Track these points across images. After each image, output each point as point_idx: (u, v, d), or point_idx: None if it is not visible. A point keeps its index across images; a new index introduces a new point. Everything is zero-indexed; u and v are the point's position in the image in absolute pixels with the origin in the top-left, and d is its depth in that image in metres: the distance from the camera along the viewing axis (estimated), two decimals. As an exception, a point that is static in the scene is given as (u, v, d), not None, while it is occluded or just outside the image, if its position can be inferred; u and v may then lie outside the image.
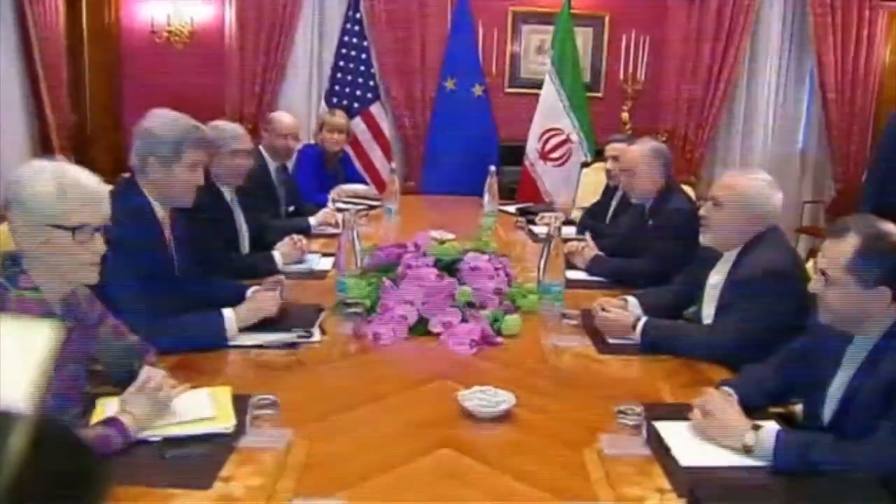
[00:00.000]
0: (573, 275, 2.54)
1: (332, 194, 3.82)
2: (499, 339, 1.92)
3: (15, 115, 4.35)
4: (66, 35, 4.77)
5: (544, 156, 4.99)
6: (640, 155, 2.68)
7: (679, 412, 1.50)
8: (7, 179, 1.39)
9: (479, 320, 1.93)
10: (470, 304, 2.02)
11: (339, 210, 3.41)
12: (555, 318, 2.06)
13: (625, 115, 5.31)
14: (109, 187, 1.49)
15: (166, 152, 1.90)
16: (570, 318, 1.97)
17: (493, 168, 3.60)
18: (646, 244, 2.63)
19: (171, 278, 1.95)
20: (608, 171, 3.40)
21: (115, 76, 5.40)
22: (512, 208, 3.92)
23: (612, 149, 3.39)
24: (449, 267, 2.16)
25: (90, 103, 5.27)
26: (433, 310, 1.98)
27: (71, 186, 1.36)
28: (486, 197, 3.55)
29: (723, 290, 2.01)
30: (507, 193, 4.89)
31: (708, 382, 1.68)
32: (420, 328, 1.96)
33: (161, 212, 1.94)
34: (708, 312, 2.06)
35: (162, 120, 1.94)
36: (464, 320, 1.95)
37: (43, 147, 4.46)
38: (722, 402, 1.46)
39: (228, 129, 2.58)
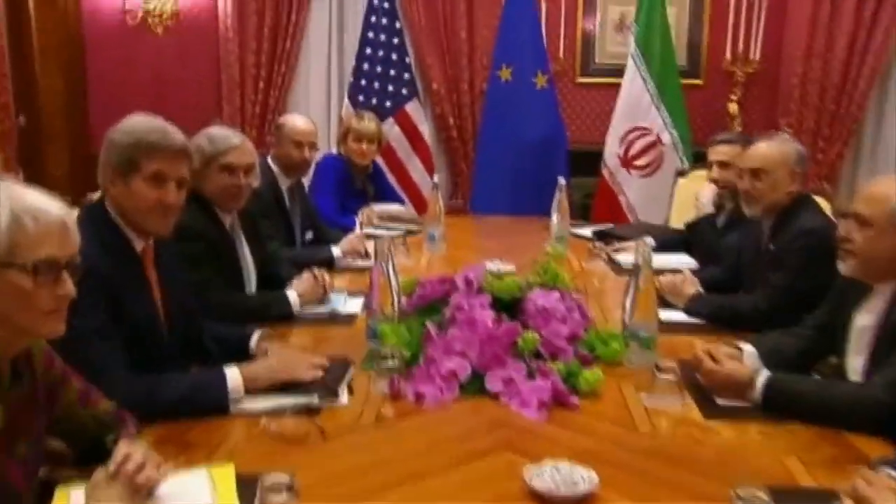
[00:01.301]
0: (668, 315, 2.54)
1: (361, 217, 3.90)
2: (574, 400, 1.93)
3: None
4: (7, 15, 4.70)
5: (628, 163, 5.00)
6: (776, 155, 2.64)
7: (820, 499, 1.48)
8: None
9: (549, 375, 1.95)
10: (537, 355, 2.04)
11: (370, 237, 3.49)
12: (646, 371, 2.05)
13: (733, 107, 5.27)
14: (76, 212, 1.50)
15: (121, 161, 1.94)
16: (665, 372, 1.96)
17: (562, 180, 3.63)
18: (764, 275, 2.60)
19: (156, 326, 2.01)
20: (715, 182, 3.37)
21: (75, 68, 5.43)
22: (587, 231, 3.94)
23: (718, 152, 3.37)
24: (509, 307, 2.18)
25: (43, 103, 5.28)
26: (491, 362, 2.00)
27: (28, 212, 1.36)
28: (555, 217, 3.57)
29: (876, 336, 1.97)
30: (581, 212, 4.92)
31: (859, 459, 1.65)
32: (474, 386, 1.98)
33: (139, 243, 2.00)
34: (855, 366, 2.02)
35: (125, 124, 2.00)
36: (530, 375, 1.96)
37: None
38: (886, 489, 1.41)
39: (219, 137, 2.61)
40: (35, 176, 4.53)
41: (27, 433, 1.43)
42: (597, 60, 5.52)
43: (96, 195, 2.09)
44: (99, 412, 1.62)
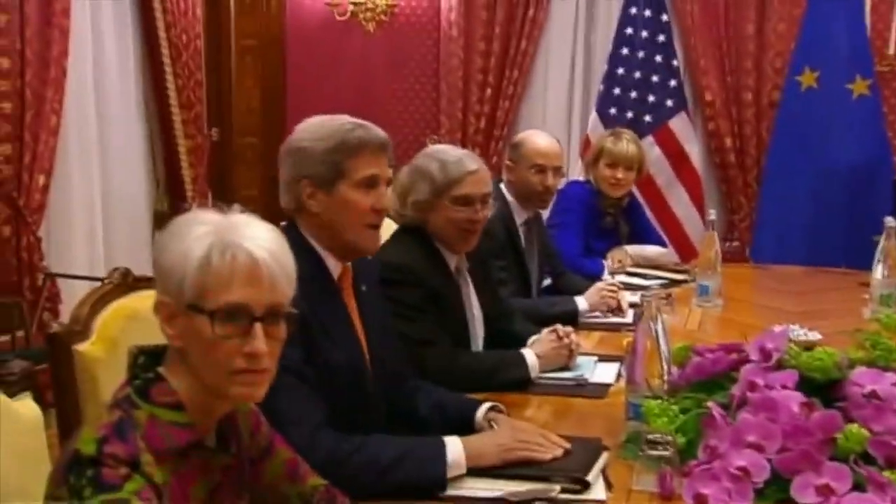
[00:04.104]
0: None
1: (610, 261, 3.92)
2: (924, 527, 1.79)
3: (130, 136, 4.88)
4: (205, 13, 5.21)
5: (984, 195, 4.68)
6: None
7: None
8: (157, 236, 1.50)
9: (886, 489, 1.81)
10: (866, 459, 1.90)
11: (630, 287, 3.49)
12: None
13: None
14: (288, 255, 1.50)
15: (322, 169, 2.06)
16: None
17: (890, 220, 3.44)
18: None
19: (359, 369, 2.09)
20: None
21: (274, 74, 5.87)
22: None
23: None
24: (822, 391, 2.07)
25: (235, 111, 5.78)
26: (799, 463, 1.89)
27: (223, 248, 1.41)
28: (878, 270, 3.39)
29: None
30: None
31: None
32: (776, 493, 1.88)
33: (336, 268, 2.11)
34: None
35: (309, 127, 2.12)
36: (856, 486, 1.84)
37: (168, 185, 5.02)
38: None
39: (452, 161, 2.69)
40: (223, 196, 4.93)
41: None
42: (943, 54, 5.23)
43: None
44: (307, 490, 1.68)
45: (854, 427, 1.93)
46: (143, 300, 1.95)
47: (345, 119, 2.13)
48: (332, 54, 5.83)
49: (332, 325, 2.06)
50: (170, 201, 5.11)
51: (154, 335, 1.48)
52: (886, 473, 1.85)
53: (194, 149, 5.11)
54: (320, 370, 1.96)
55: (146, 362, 1.46)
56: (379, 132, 2.12)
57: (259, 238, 1.44)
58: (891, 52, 5.15)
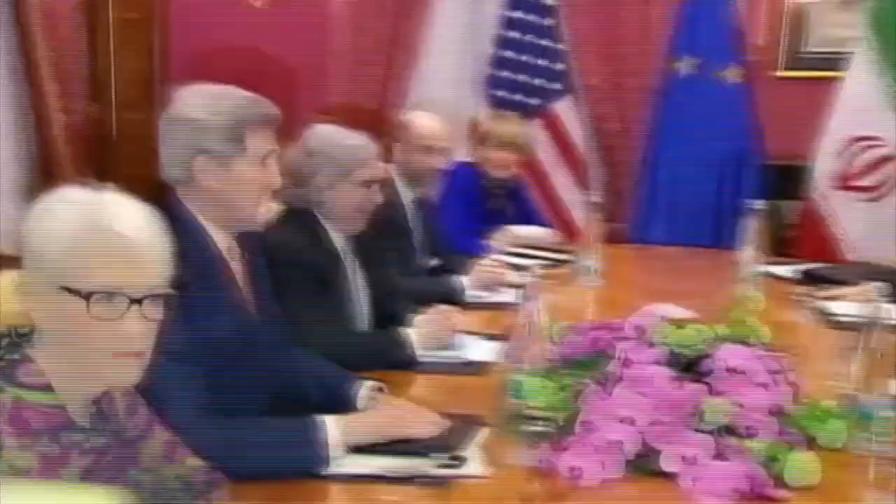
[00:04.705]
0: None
1: (495, 241, 3.95)
2: (781, 493, 1.87)
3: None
4: None
5: (846, 183, 4.86)
6: None
7: None
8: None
9: (743, 457, 1.90)
10: (728, 430, 1.99)
11: (513, 267, 3.54)
12: (884, 464, 1.99)
13: None
14: (163, 237, 1.48)
15: (220, 144, 2.02)
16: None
17: (757, 203, 3.58)
18: None
19: (250, 347, 2.07)
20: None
21: (158, 44, 5.72)
22: (788, 270, 3.87)
23: None
24: (691, 365, 2.15)
25: (116, 89, 5.57)
26: (666, 434, 1.97)
27: (93, 229, 1.38)
28: (746, 251, 3.50)
29: None
30: (778, 246, 4.79)
31: None
32: (645, 463, 1.96)
33: (222, 241, 2.10)
34: None
35: (203, 99, 2.07)
36: (718, 455, 1.92)
37: (42, 161, 4.79)
38: None
39: (355, 145, 2.73)
40: (102, 175, 4.78)
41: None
42: (808, 48, 5.43)
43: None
44: (186, 470, 1.67)
45: (718, 400, 2.02)
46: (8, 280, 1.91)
47: (239, 92, 2.09)
48: (219, 28, 5.70)
49: (219, 300, 2.04)
50: (44, 179, 4.95)
51: (21, 316, 1.44)
52: (747, 443, 1.95)
53: (71, 125, 4.95)
54: (204, 347, 1.93)
55: (11, 343, 1.42)
56: (274, 108, 2.11)
57: (131, 219, 1.42)
58: (760, 43, 5.32)
